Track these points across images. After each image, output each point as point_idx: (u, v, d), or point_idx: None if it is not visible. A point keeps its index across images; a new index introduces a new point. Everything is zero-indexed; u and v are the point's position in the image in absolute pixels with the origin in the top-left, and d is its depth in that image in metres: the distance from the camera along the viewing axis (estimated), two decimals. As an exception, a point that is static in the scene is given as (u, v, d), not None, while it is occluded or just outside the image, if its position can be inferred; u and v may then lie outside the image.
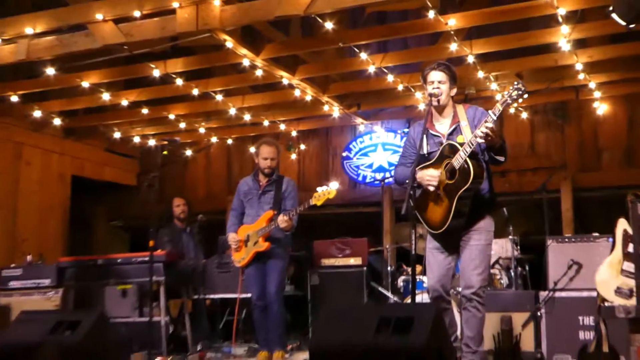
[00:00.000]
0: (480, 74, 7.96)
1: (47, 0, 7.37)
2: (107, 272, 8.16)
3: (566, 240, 6.65)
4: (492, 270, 6.93)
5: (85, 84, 8.17)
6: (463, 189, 4.60)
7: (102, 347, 4.60)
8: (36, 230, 9.55)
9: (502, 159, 4.71)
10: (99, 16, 6.50)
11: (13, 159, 9.31)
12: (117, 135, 10.25)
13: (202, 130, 10.18)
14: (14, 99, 8.52)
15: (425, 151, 4.86)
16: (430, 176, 4.69)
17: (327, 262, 8.29)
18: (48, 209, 9.81)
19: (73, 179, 10.29)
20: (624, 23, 5.01)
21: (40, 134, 9.68)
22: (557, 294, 6.27)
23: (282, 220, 6.35)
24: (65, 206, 10.14)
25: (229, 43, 6.82)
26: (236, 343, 7.68)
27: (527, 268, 7.34)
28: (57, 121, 9.49)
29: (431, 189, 4.69)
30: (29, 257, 8.69)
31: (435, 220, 4.77)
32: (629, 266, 4.78)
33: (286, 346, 6.82)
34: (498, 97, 4.68)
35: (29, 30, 6.76)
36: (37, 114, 9.06)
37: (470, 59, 7.46)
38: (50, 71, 7.61)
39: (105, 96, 8.61)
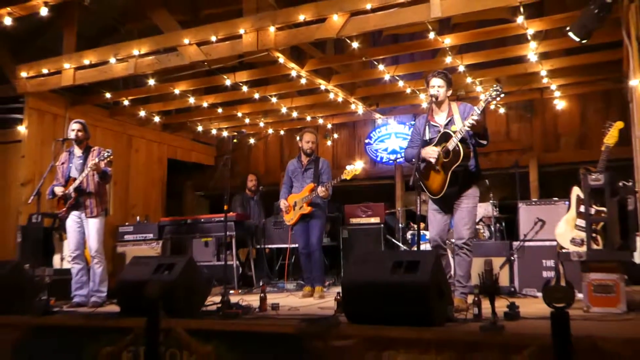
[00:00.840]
0: (469, 80, 7.88)
1: (148, 29, 7.43)
2: (194, 229, 8.30)
3: (533, 203, 6.60)
4: (477, 226, 6.90)
5: (177, 91, 8.24)
6: (455, 165, 4.58)
7: (191, 283, 4.64)
8: (143, 198, 9.70)
9: (484, 142, 4.66)
10: (186, 41, 6.55)
11: (126, 147, 9.43)
12: (199, 128, 10.32)
13: (261, 124, 10.19)
14: (126, 102, 8.63)
15: (427, 137, 4.82)
16: (431, 152, 4.67)
17: (354, 220, 8.30)
18: (151, 183, 9.94)
19: (169, 161, 10.38)
20: (577, 39, 4.93)
21: (145, 128, 9.77)
22: (526, 244, 6.23)
23: (321, 190, 6.36)
24: (163, 181, 10.25)
25: (281, 59, 6.83)
26: (287, 280, 7.76)
27: (503, 224, 7.28)
28: (156, 119, 9.58)
29: (432, 160, 4.66)
30: (138, 218, 8.87)
31: (435, 189, 4.74)
32: (581, 222, 4.73)
33: (324, 282, 6.84)
34: (482, 97, 4.59)
35: (135, 52, 6.84)
36: (142, 113, 9.15)
37: (461, 68, 7.37)
38: (151, 82, 7.69)
39: (191, 100, 8.65)
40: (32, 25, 7.60)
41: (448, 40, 6.63)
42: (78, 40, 7.42)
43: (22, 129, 7.71)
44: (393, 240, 8.06)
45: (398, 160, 9.03)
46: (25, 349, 4.63)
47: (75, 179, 6.00)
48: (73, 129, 6.13)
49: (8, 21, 6.63)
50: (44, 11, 6.51)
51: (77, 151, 6.15)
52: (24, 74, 7.51)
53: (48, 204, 6.64)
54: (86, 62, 7.11)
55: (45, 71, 7.39)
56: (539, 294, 5.86)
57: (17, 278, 5.30)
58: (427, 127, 4.84)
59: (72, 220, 6.03)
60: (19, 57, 7.67)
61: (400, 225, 8.18)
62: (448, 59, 7.08)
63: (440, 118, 4.87)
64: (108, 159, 5.91)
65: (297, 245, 6.79)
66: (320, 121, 10.03)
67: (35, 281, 5.65)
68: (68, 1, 6.70)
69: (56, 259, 7.21)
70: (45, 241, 7.07)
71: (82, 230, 6.03)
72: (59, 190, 6.00)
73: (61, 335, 4.52)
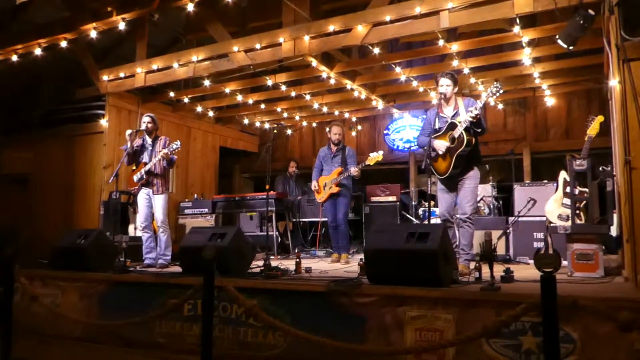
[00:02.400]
0: (472, 80, 7.75)
1: (205, 39, 7.48)
2: (241, 204, 8.38)
3: (526, 184, 6.52)
4: (478, 204, 6.82)
5: (227, 90, 8.28)
6: (459, 150, 4.55)
7: (239, 249, 4.70)
8: (199, 179, 9.79)
9: (479, 130, 4.57)
10: (235, 48, 6.56)
11: (186, 137, 9.49)
12: (246, 121, 10.37)
13: (297, 117, 10.18)
14: (186, 100, 8.72)
15: (436, 126, 4.79)
16: (441, 145, 4.64)
17: (374, 199, 8.27)
18: (206, 167, 10.02)
19: (220, 148, 10.42)
20: (565, 46, 4.81)
21: (201, 121, 9.83)
22: (520, 219, 6.16)
23: (355, 170, 6.36)
24: (216, 165, 10.32)
25: (314, 63, 6.81)
26: (318, 248, 7.80)
27: (500, 202, 7.19)
28: (210, 113, 9.65)
29: (441, 152, 4.64)
30: (195, 196, 8.98)
31: (441, 170, 4.72)
32: (567, 201, 4.65)
33: (349, 250, 6.85)
34: (483, 94, 4.54)
35: (194, 58, 6.87)
36: (199, 109, 9.21)
37: (466, 70, 7.27)
38: (206, 83, 7.74)
39: (239, 97, 8.69)
40: (112, 37, 7.72)
41: (454, 47, 6.53)
42: (148, 49, 7.50)
43: (104, 122, 7.87)
44: (407, 215, 8.03)
45: (412, 148, 9.00)
46: (108, 299, 4.79)
47: (146, 163, 6.12)
48: (144, 121, 6.22)
49: (93, 34, 6.73)
50: (121, 25, 6.61)
51: (148, 139, 6.25)
52: (105, 78, 7.63)
53: (124, 183, 6.78)
54: (154, 67, 7.19)
55: (122, 75, 7.49)
56: (531, 261, 5.80)
57: (100, 243, 5.45)
58: (437, 118, 4.81)
59: (142, 197, 6.15)
60: (101, 64, 7.80)
61: (413, 202, 8.15)
62: (454, 63, 6.96)
63: (448, 111, 4.82)
64: (177, 150, 6.00)
65: (326, 219, 6.80)
66: (346, 115, 9.99)
67: (114, 246, 5.79)
68: (140, 17, 6.77)
69: (131, 228, 7.37)
70: (122, 214, 7.22)
71: (150, 205, 6.14)
72: (136, 178, 6.16)
73: (136, 289, 4.66)
